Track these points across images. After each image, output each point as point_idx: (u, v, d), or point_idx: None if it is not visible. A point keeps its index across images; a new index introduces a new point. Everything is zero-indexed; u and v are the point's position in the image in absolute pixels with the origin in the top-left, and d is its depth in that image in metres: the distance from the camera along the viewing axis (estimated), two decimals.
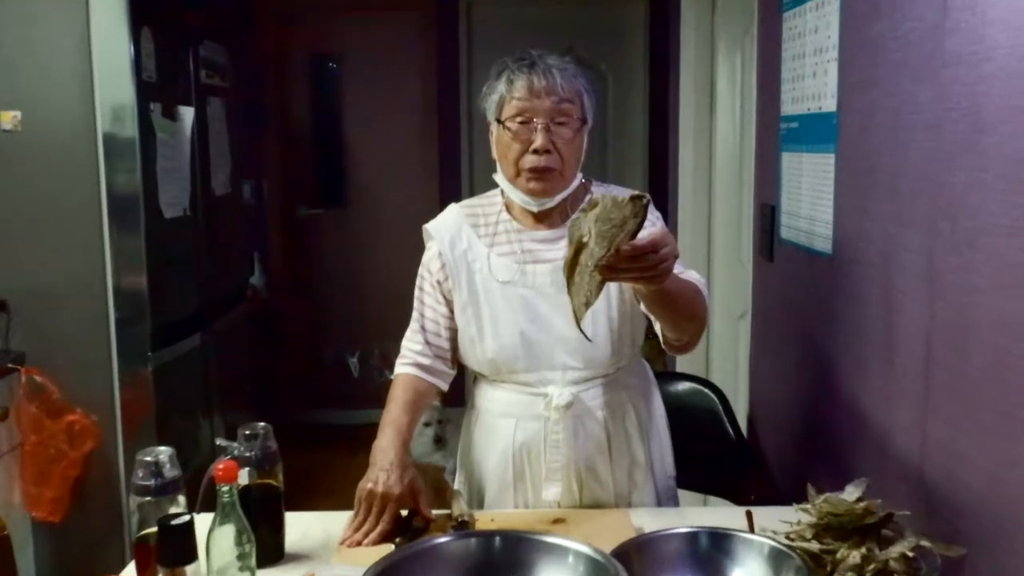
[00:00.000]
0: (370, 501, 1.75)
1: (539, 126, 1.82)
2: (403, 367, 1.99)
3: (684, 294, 1.71)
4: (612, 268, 1.43)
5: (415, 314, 2.01)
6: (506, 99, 1.85)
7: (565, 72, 1.83)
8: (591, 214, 1.43)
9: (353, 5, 5.38)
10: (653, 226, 1.84)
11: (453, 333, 1.98)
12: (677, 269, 1.71)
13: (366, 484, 1.77)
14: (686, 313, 1.74)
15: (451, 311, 1.97)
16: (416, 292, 2.01)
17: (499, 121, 1.87)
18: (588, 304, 1.46)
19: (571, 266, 1.46)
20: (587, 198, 1.95)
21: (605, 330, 1.88)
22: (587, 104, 1.87)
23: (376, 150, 5.50)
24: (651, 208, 1.94)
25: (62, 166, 2.98)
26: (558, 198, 1.90)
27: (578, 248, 1.45)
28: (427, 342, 1.98)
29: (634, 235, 1.42)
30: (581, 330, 1.53)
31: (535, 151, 1.82)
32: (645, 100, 5.30)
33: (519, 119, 1.83)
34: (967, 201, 1.46)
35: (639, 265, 1.45)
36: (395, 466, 1.78)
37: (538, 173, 1.84)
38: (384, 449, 1.81)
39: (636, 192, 1.43)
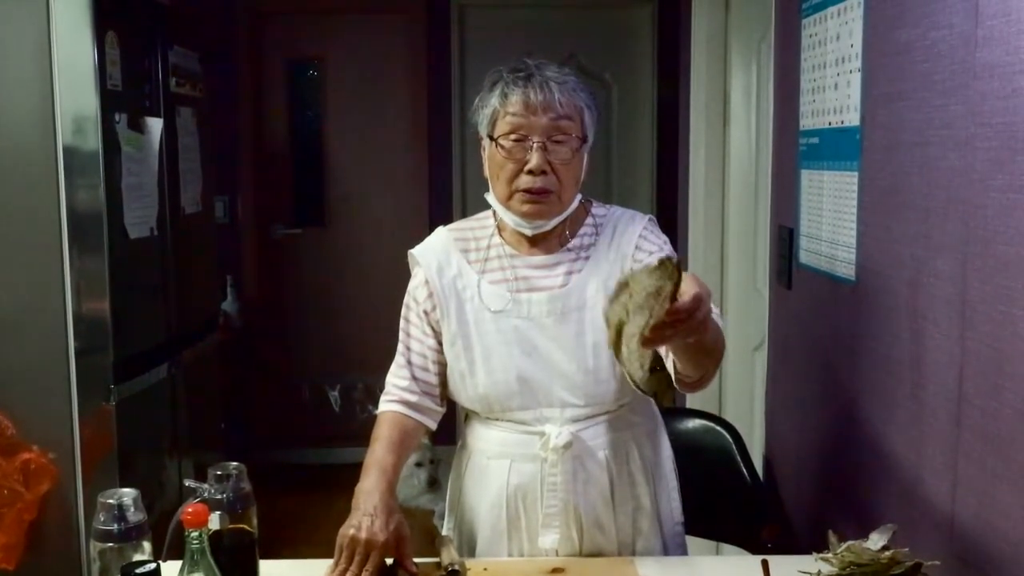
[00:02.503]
0: (352, 548, 1.74)
1: (535, 144, 1.82)
2: (388, 404, 1.99)
3: (712, 331, 1.67)
4: (658, 335, 1.43)
5: (400, 347, 2.01)
6: (500, 114, 1.85)
7: (564, 86, 1.84)
8: (623, 297, 1.47)
9: (335, 6, 5.42)
10: (661, 252, 1.85)
11: (442, 368, 1.98)
12: None
13: (348, 530, 1.76)
14: (710, 350, 1.70)
15: (439, 344, 1.97)
16: (401, 323, 2.01)
17: (492, 138, 1.87)
18: (643, 367, 1.52)
19: (616, 345, 1.50)
20: (588, 219, 1.96)
21: (608, 363, 1.88)
22: (587, 121, 1.88)
23: (360, 165, 5.51)
24: (657, 232, 1.97)
25: (18, 182, 2.97)
26: (554, 221, 1.91)
27: (619, 330, 1.49)
28: (414, 377, 1.98)
29: (674, 297, 1.44)
30: (641, 389, 1.56)
31: (530, 171, 1.83)
32: (653, 113, 5.32)
33: (513, 136, 1.84)
34: (1002, 224, 1.47)
35: (688, 324, 1.43)
36: (380, 511, 1.77)
37: (533, 195, 1.85)
38: (368, 492, 1.81)
39: (663, 256, 1.47)
